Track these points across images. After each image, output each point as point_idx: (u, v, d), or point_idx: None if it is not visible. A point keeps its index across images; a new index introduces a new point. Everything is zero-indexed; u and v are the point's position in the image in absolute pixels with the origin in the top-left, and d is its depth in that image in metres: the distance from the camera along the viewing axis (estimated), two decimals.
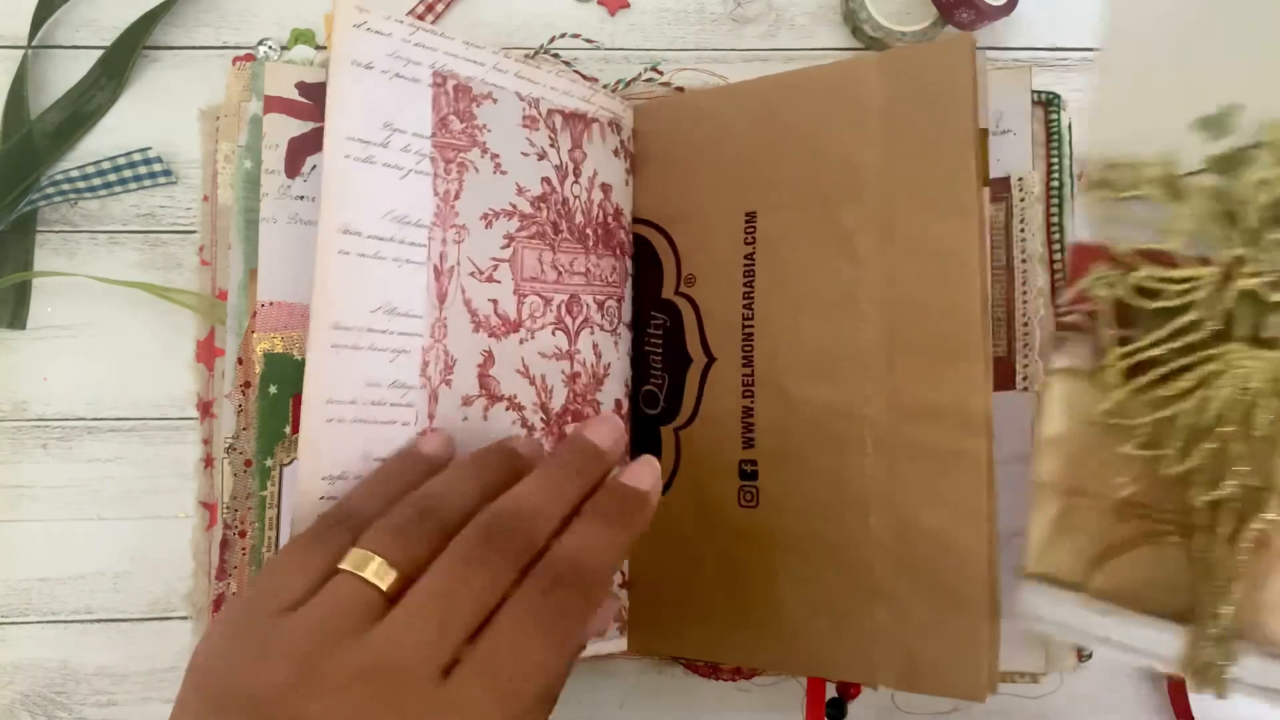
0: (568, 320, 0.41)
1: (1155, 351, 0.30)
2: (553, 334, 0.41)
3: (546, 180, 0.41)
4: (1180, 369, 0.30)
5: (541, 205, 0.41)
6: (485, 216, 0.39)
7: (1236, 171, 0.28)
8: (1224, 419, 0.29)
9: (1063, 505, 0.32)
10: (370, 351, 0.37)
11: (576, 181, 0.42)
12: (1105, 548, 0.31)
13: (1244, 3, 0.28)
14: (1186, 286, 0.29)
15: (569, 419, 0.41)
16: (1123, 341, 0.30)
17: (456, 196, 0.39)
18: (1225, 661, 0.29)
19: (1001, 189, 0.42)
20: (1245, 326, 0.29)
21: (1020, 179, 0.43)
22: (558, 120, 0.42)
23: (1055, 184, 0.43)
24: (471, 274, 0.39)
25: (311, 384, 0.36)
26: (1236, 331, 0.29)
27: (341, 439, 0.36)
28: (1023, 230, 0.43)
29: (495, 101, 0.40)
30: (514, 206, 0.40)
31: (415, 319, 0.38)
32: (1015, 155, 0.43)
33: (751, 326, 0.40)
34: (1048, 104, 0.44)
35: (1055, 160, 0.43)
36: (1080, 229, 0.31)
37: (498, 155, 0.40)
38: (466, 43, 0.40)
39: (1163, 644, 0.31)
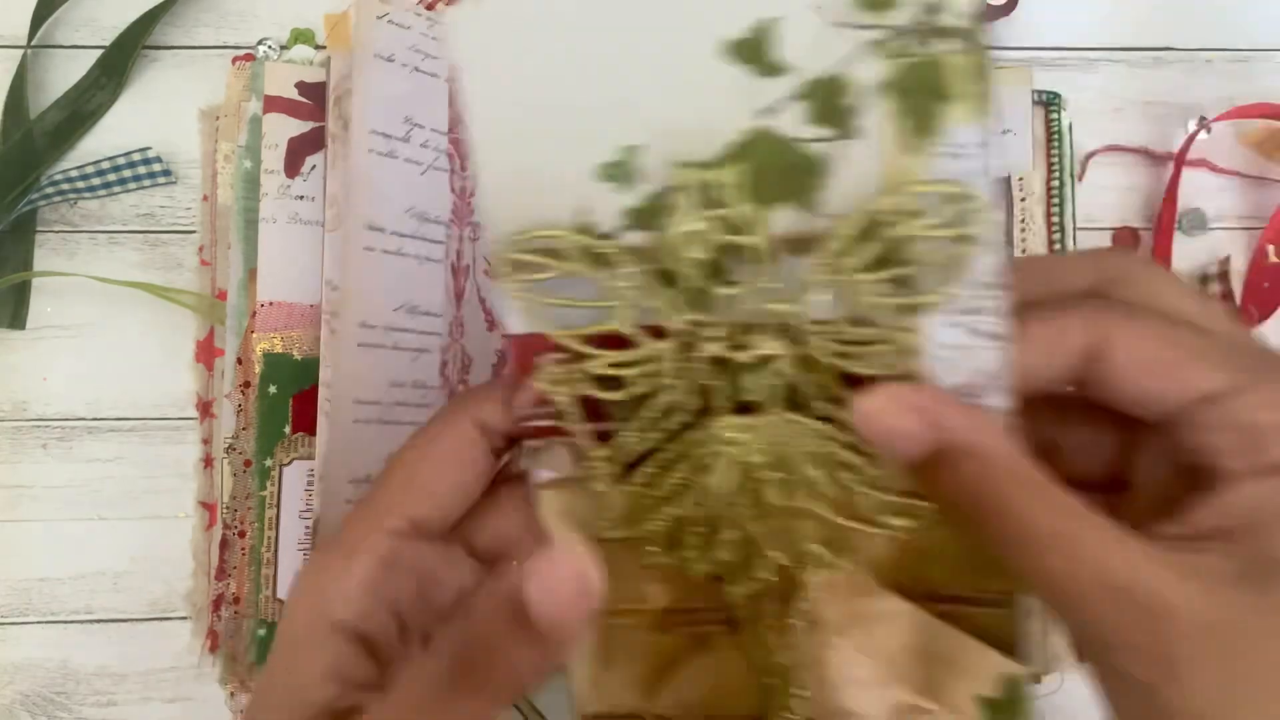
0: None
1: (639, 446, 0.25)
2: None
3: None
4: (676, 458, 0.25)
5: None
6: None
7: (658, 223, 0.23)
8: (732, 503, 0.25)
9: (601, 632, 0.28)
10: (394, 351, 0.36)
11: None
12: (658, 667, 0.28)
13: (608, 35, 0.23)
14: (646, 369, 0.24)
15: None
16: (601, 439, 0.26)
17: (472, 194, 0.38)
18: None
19: (1002, 189, 0.42)
20: (723, 396, 0.25)
21: (1021, 179, 0.43)
22: None
23: (1056, 184, 0.43)
24: (485, 272, 0.39)
25: (339, 383, 0.35)
26: (716, 403, 0.25)
27: (367, 440, 0.35)
28: (1023, 230, 0.43)
29: None
30: None
31: (435, 318, 0.37)
32: (1016, 155, 0.43)
33: None
34: (1048, 104, 0.44)
35: (1056, 160, 0.43)
36: (511, 320, 0.25)
37: None
38: None
39: None
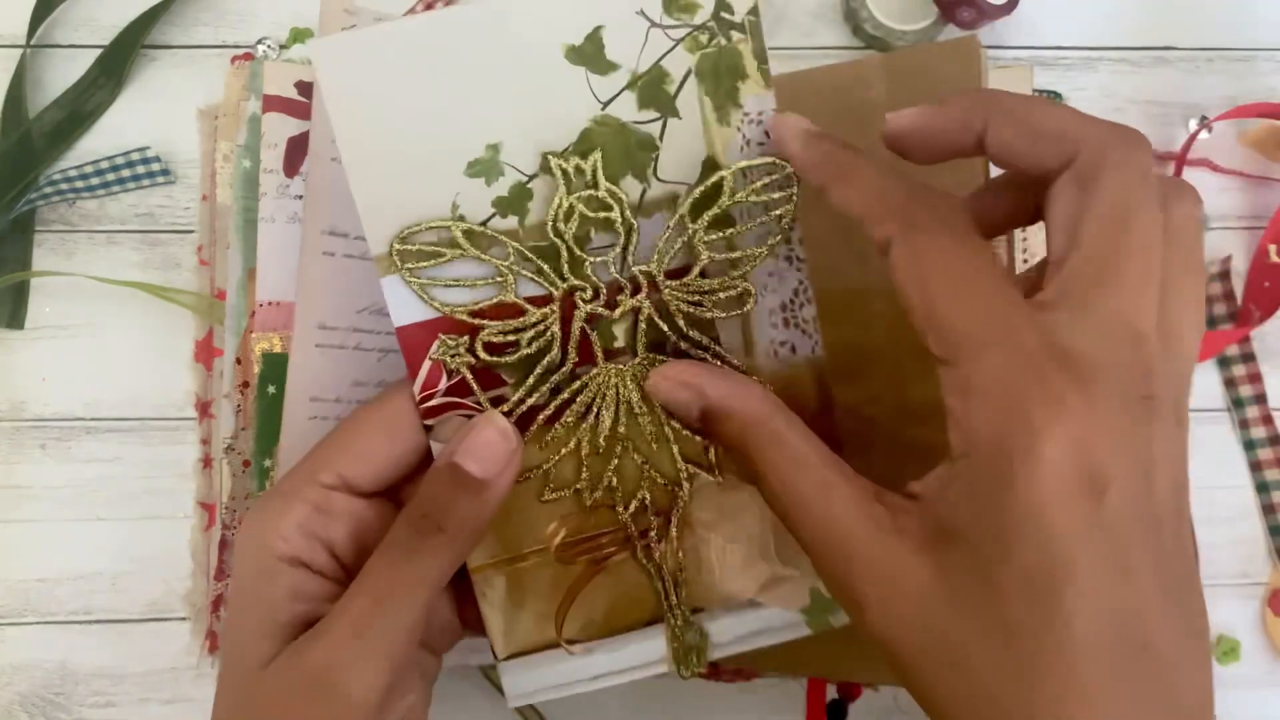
0: None
1: (531, 400, 0.30)
2: None
3: None
4: (562, 406, 0.31)
5: None
6: None
7: (524, 208, 0.29)
8: (615, 435, 0.31)
9: (506, 579, 0.32)
10: (356, 351, 0.37)
11: None
12: (563, 597, 0.32)
13: (466, 48, 0.28)
14: (536, 330, 0.30)
15: None
16: (496, 403, 0.30)
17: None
18: (701, 637, 0.32)
19: None
20: (598, 347, 0.30)
21: None
22: None
23: None
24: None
25: (294, 381, 0.36)
26: (595, 354, 0.30)
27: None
28: (1024, 230, 0.42)
29: None
30: None
31: None
32: None
33: None
34: None
35: None
36: (400, 312, 0.29)
37: None
38: None
39: (649, 652, 0.33)
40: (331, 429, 0.31)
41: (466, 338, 0.30)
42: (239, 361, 0.40)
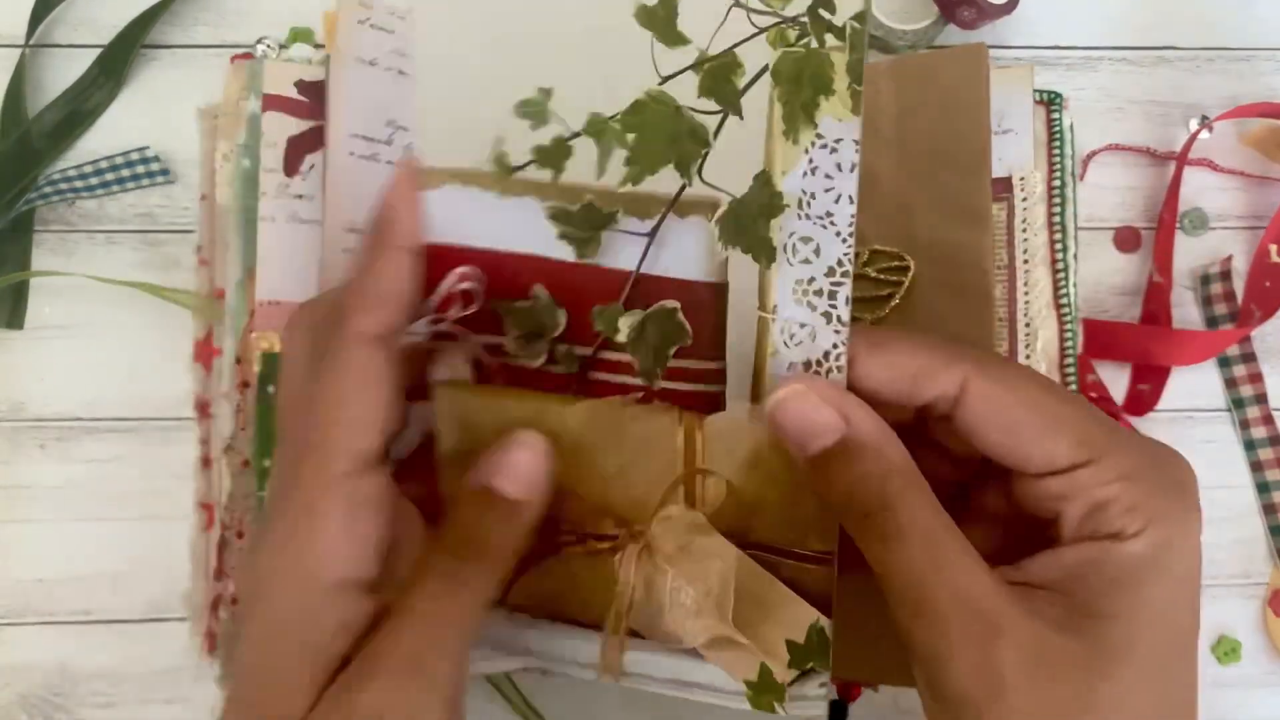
0: None
1: (523, 360, 0.29)
2: None
3: None
4: (552, 376, 0.29)
5: None
6: None
7: (559, 164, 0.27)
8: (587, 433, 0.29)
9: None
10: None
11: None
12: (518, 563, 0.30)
13: None
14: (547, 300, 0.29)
15: None
16: (495, 351, 0.29)
17: None
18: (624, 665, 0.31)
19: (1003, 189, 0.42)
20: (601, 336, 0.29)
21: (1022, 179, 0.43)
22: None
23: (1057, 183, 0.43)
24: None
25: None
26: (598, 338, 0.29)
27: None
28: (1024, 230, 0.42)
29: None
30: None
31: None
32: (1017, 155, 0.43)
33: None
34: (1049, 103, 0.44)
35: (1057, 159, 0.43)
36: (436, 227, 0.28)
37: None
38: None
39: (581, 652, 0.31)
40: (300, 419, 0.27)
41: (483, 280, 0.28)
42: (238, 361, 0.39)
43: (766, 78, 0.25)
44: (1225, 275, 0.46)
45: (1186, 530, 0.25)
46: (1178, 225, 0.46)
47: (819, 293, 0.26)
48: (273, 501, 0.28)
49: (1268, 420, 0.45)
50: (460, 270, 0.28)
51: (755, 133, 0.26)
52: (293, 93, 0.40)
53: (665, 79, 0.26)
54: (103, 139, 0.45)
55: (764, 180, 0.26)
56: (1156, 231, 0.46)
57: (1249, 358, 0.46)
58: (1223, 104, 0.47)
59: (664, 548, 0.30)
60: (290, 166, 0.39)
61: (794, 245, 0.26)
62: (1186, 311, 0.47)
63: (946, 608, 0.24)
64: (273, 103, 0.39)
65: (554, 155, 0.27)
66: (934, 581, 0.24)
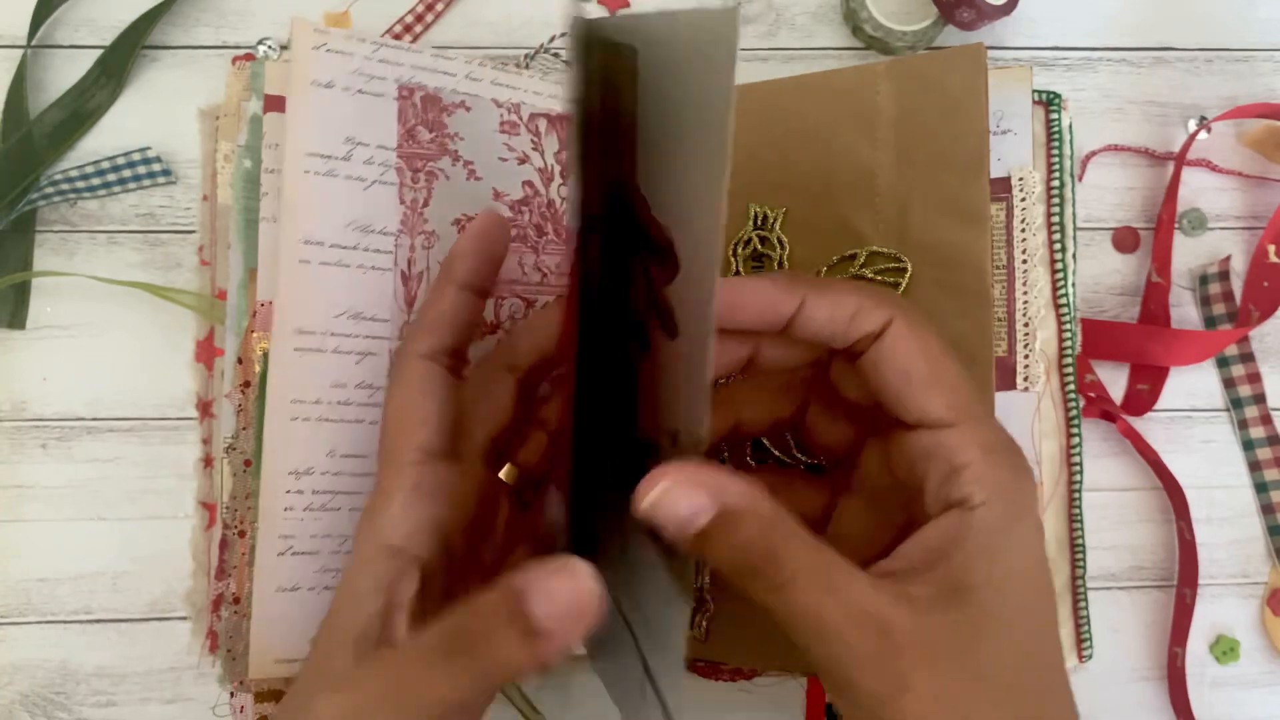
0: None
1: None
2: None
3: (529, 184, 0.41)
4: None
5: (523, 209, 0.41)
6: (458, 222, 0.40)
7: None
8: None
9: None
10: (334, 354, 0.38)
11: (564, 183, 0.42)
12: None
13: None
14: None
15: None
16: None
17: (425, 204, 0.40)
18: None
19: (1002, 189, 0.42)
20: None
21: (1021, 179, 0.43)
22: (541, 124, 0.42)
23: (1056, 184, 0.43)
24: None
25: (275, 384, 0.37)
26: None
27: (304, 436, 0.38)
28: (1023, 230, 0.43)
29: (469, 109, 0.40)
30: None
31: (382, 323, 0.39)
32: (1016, 155, 0.43)
33: None
34: (1048, 104, 0.44)
35: (1056, 160, 0.43)
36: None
37: (471, 162, 0.40)
38: (435, 54, 0.40)
39: None
40: (380, 426, 0.32)
41: None
42: (240, 361, 0.40)
43: None
44: (1224, 275, 0.46)
45: (1029, 505, 0.29)
46: (1176, 225, 0.46)
47: None
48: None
49: (1266, 420, 0.46)
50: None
51: None
52: None
53: None
54: (104, 139, 0.45)
55: None
56: (1155, 232, 0.46)
57: (1247, 358, 0.46)
58: (1221, 104, 0.47)
59: None
60: None
61: None
62: (1185, 311, 0.47)
63: (842, 626, 0.26)
64: (274, 103, 0.39)
65: None
66: (828, 607, 0.27)
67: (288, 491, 0.37)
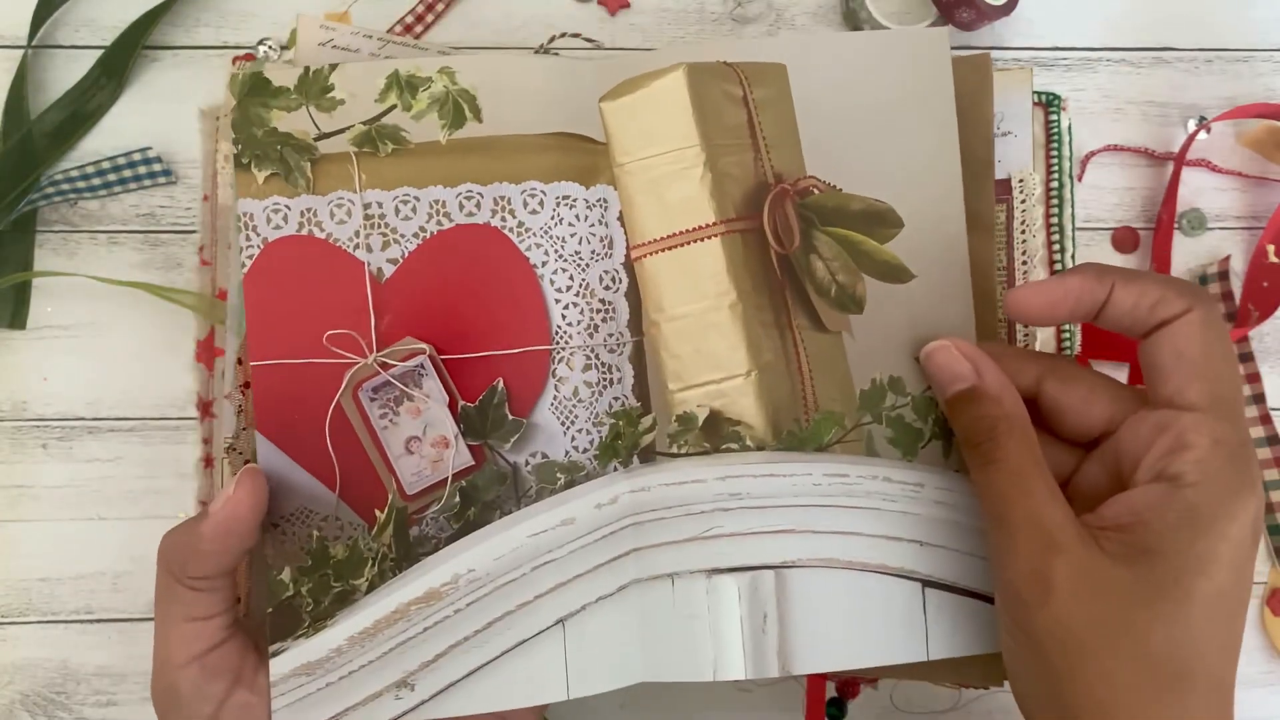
0: None
1: None
2: None
3: None
4: None
5: None
6: None
7: None
8: None
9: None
10: None
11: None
12: None
13: None
14: None
15: None
16: None
17: None
18: None
19: (1003, 190, 0.42)
20: None
21: (1021, 180, 0.43)
22: None
23: (1055, 184, 0.43)
24: None
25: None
26: None
27: None
28: (1023, 231, 0.43)
29: None
30: None
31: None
32: (1016, 156, 0.43)
33: None
34: (1048, 105, 0.44)
35: (1055, 160, 0.43)
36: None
37: None
38: (441, 51, 0.40)
39: None
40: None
41: None
42: (240, 361, 0.40)
43: None
44: (1223, 275, 0.46)
45: (1243, 506, 0.29)
46: (1176, 226, 0.46)
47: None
48: None
49: (1266, 420, 0.46)
50: None
51: None
52: None
53: None
54: (104, 140, 0.45)
55: None
56: (1155, 232, 0.46)
57: (1247, 358, 0.46)
58: (1221, 105, 0.47)
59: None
60: None
61: None
62: None
63: (1019, 522, 0.30)
64: None
65: None
66: (1014, 501, 0.30)
67: None
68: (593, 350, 0.36)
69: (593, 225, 0.36)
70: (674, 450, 0.36)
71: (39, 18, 0.45)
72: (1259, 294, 0.45)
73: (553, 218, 0.36)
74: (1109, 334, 0.45)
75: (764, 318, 0.36)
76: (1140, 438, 0.31)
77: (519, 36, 0.46)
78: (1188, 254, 0.47)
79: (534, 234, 0.36)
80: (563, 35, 0.46)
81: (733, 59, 0.37)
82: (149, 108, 0.45)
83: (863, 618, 0.35)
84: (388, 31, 0.46)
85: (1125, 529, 0.30)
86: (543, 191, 0.36)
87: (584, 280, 0.36)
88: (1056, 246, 0.43)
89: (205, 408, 0.43)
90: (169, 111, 0.45)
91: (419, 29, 0.46)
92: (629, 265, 0.36)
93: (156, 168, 0.44)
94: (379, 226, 0.35)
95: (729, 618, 0.34)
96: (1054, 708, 0.29)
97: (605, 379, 0.36)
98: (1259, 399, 0.46)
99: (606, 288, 0.36)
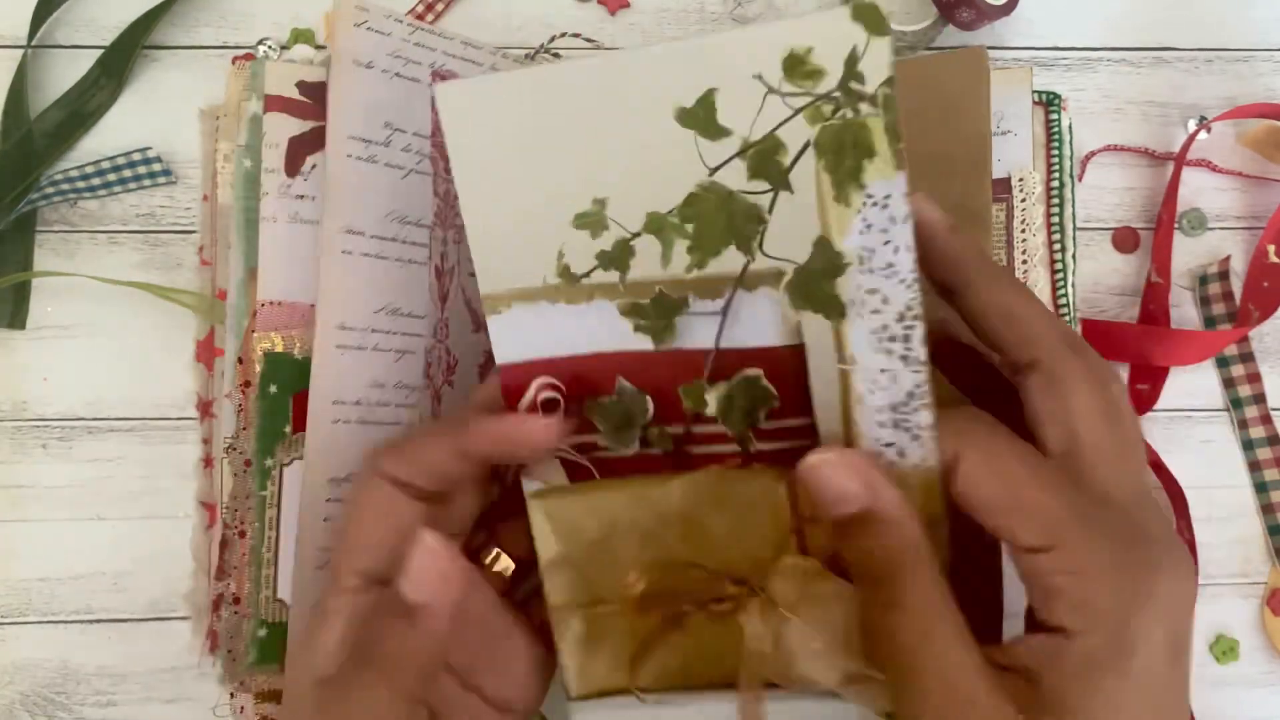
0: None
1: (621, 452, 0.30)
2: None
3: None
4: (650, 458, 0.30)
5: None
6: None
7: (624, 264, 0.29)
8: (687, 501, 0.30)
9: (585, 620, 0.32)
10: (374, 352, 0.37)
11: None
12: (639, 645, 0.32)
13: (579, 102, 0.27)
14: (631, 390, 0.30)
15: None
16: (585, 449, 0.30)
17: (456, 196, 0.39)
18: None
19: (1002, 189, 0.43)
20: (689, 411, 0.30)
21: (1021, 179, 0.43)
22: None
23: (1056, 184, 0.43)
24: (471, 274, 0.39)
25: (317, 385, 0.36)
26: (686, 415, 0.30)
27: (346, 441, 0.36)
28: (1023, 231, 0.43)
29: None
30: None
31: (418, 319, 0.38)
32: (1016, 156, 0.43)
33: None
34: (1048, 104, 0.44)
35: (1055, 160, 0.43)
36: (504, 350, 0.30)
37: None
38: (465, 42, 0.40)
39: (718, 714, 0.32)
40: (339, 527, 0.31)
41: (563, 385, 0.30)
42: (240, 361, 0.40)
43: (810, 152, 0.27)
44: (1223, 275, 0.46)
45: (1143, 625, 0.26)
46: (1176, 225, 0.46)
47: (893, 338, 0.28)
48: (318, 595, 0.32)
49: (1266, 420, 0.46)
50: (539, 381, 0.30)
51: (807, 202, 0.27)
52: (294, 93, 0.40)
53: (714, 170, 0.27)
54: (104, 139, 0.45)
55: (823, 244, 0.27)
56: (1155, 232, 0.46)
57: (1247, 358, 0.46)
58: (1221, 104, 0.47)
59: (785, 597, 0.30)
60: (291, 167, 0.39)
61: (862, 298, 0.27)
62: (1185, 312, 0.47)
63: (929, 682, 0.26)
64: (274, 103, 0.39)
65: (618, 257, 0.29)
66: (923, 655, 0.26)
67: (327, 500, 0.36)
68: None
69: None
70: None
71: (39, 17, 0.45)
72: (1259, 294, 0.45)
73: None
74: (1109, 332, 0.46)
75: None
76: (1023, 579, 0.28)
77: (519, 37, 0.46)
78: (1188, 254, 0.47)
79: None
80: (563, 35, 0.46)
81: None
82: (149, 107, 0.45)
83: None
84: None
85: (1032, 678, 0.27)
86: None
87: None
88: (1057, 246, 0.43)
89: (205, 408, 0.43)
90: (169, 111, 0.45)
91: None
92: None
93: (156, 168, 0.44)
94: None
95: None
96: None
97: None
98: (1259, 399, 0.46)
99: None
